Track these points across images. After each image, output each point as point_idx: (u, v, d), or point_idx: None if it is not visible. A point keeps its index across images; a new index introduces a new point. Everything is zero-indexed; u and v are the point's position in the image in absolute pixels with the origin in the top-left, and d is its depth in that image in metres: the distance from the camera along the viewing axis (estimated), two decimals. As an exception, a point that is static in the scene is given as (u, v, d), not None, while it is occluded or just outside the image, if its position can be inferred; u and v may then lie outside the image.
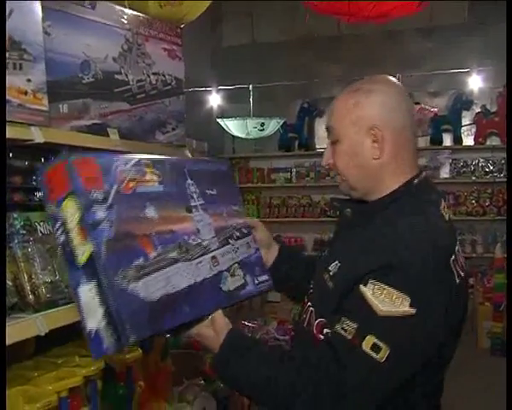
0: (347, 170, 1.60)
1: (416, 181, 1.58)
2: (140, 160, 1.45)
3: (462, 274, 1.50)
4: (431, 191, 1.61)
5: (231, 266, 1.61)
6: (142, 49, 2.07)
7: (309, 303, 1.63)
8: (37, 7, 1.57)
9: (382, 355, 1.36)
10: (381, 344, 1.36)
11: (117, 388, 1.87)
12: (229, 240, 1.65)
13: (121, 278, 1.23)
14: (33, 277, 1.58)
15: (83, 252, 1.24)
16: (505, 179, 7.82)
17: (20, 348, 1.66)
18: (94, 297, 1.24)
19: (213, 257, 1.56)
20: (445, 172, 8.67)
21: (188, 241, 1.48)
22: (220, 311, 1.52)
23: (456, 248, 1.52)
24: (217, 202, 1.66)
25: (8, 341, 1.39)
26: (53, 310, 1.59)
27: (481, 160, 8.48)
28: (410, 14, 5.70)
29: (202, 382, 2.80)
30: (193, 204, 1.56)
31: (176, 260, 1.40)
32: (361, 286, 1.41)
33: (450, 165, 8.63)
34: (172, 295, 1.36)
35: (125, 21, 1.99)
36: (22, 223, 1.61)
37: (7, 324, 1.43)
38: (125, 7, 2.00)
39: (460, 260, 1.52)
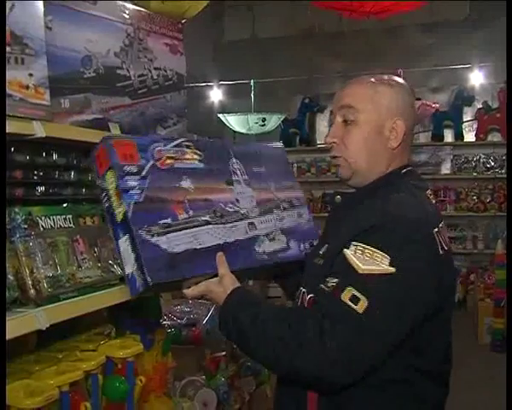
0: (359, 152, 1.63)
1: (403, 170, 1.65)
2: (181, 142, 1.67)
3: (446, 248, 1.55)
4: (418, 180, 1.67)
5: (272, 232, 1.77)
6: (144, 44, 2.07)
7: (301, 288, 1.65)
8: (39, 1, 1.57)
9: (361, 306, 1.38)
10: (359, 296, 1.38)
11: (118, 382, 1.87)
12: (274, 210, 1.81)
13: (145, 232, 1.46)
14: (35, 271, 1.59)
15: (119, 211, 1.49)
16: (506, 175, 7.81)
17: (21, 342, 1.67)
18: (128, 246, 1.47)
19: (251, 223, 1.72)
20: (446, 168, 8.68)
21: (224, 208, 1.67)
22: (228, 270, 1.57)
23: (440, 224, 1.57)
24: (264, 177, 1.84)
25: (10, 335, 1.40)
26: (54, 304, 1.60)
27: (482, 156, 8.48)
28: (411, 10, 5.71)
29: (203, 377, 2.81)
30: (235, 179, 1.75)
31: (208, 222, 1.60)
32: (344, 250, 1.46)
33: (452, 161, 8.64)
34: (197, 250, 1.55)
35: (127, 16, 1.99)
36: (23, 217, 1.61)
37: (8, 318, 1.43)
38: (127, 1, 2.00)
39: (444, 235, 1.56)
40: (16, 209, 1.61)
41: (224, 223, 1.64)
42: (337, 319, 1.39)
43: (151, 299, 2.34)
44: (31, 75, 1.54)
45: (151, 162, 1.56)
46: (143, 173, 1.53)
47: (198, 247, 1.55)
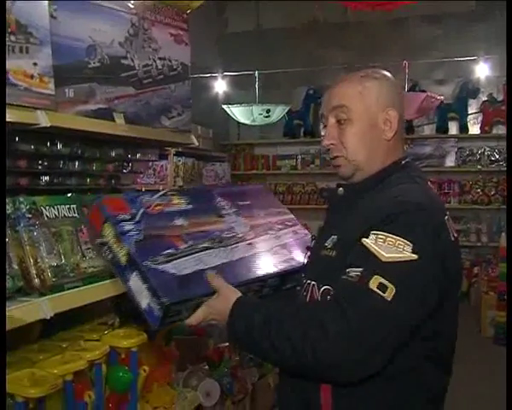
0: (358, 149, 1.64)
1: (403, 161, 1.67)
2: (166, 192, 1.78)
3: (455, 235, 1.58)
4: (417, 170, 1.70)
5: (272, 248, 1.85)
6: (149, 34, 2.07)
7: (307, 281, 1.63)
8: (44, -10, 1.57)
9: (389, 294, 1.38)
10: (387, 283, 1.38)
11: (121, 372, 1.87)
12: (269, 231, 1.91)
13: (151, 262, 1.52)
14: (39, 260, 1.59)
15: (123, 254, 1.54)
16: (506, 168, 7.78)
17: (25, 331, 1.68)
18: (138, 281, 1.51)
19: (249, 243, 1.80)
20: (450, 161, 8.65)
21: (221, 235, 1.76)
22: (225, 283, 1.57)
23: (447, 213, 1.60)
24: (252, 208, 1.96)
25: (14, 324, 1.40)
26: (58, 294, 1.60)
27: (487, 148, 8.45)
28: (416, 2, 5.69)
29: (206, 367, 2.81)
30: (224, 212, 1.86)
31: (208, 248, 1.68)
32: (363, 239, 1.45)
33: (456, 153, 8.61)
34: (205, 270, 1.60)
35: (132, 6, 1.99)
36: (28, 207, 1.61)
37: (12, 307, 1.44)
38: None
39: (451, 223, 1.58)
40: (21, 199, 1.61)
41: (223, 246, 1.72)
42: (365, 307, 1.38)
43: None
44: (35, 64, 1.54)
45: (141, 210, 1.66)
46: (137, 219, 1.63)
47: (205, 267, 1.60)
